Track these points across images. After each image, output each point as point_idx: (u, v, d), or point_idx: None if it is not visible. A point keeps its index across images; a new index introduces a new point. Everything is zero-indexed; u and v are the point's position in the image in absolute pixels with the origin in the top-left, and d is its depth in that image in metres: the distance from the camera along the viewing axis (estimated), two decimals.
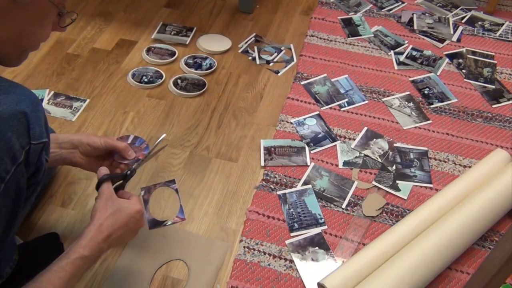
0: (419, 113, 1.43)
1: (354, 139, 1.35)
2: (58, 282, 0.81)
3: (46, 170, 0.88)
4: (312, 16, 1.79)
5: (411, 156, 1.32)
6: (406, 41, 1.68)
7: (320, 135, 1.36)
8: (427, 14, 1.79)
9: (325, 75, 1.55)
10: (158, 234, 1.13)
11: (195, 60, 1.59)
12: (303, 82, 1.52)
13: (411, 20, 1.76)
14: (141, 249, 1.10)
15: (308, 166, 1.28)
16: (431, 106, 1.46)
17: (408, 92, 1.50)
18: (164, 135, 1.13)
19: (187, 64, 1.57)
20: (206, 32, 1.71)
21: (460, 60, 1.62)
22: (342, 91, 1.49)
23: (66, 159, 1.03)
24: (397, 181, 1.25)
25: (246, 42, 1.68)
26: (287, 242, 1.12)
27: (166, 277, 1.06)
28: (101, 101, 1.45)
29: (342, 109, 1.44)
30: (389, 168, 1.29)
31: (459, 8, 1.83)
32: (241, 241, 1.12)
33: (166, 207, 1.19)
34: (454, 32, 1.72)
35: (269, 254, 1.10)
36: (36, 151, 0.82)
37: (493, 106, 1.47)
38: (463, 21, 1.78)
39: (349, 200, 1.21)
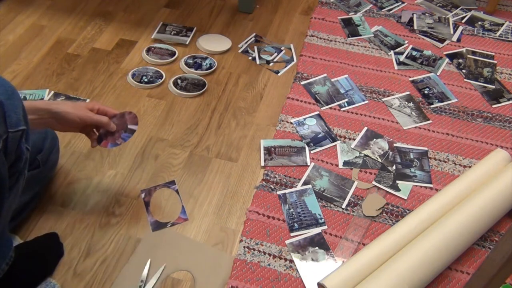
0: (419, 113, 1.43)
1: (354, 139, 1.35)
2: None
3: (27, 159, 0.87)
4: (312, 16, 1.79)
5: (411, 156, 1.32)
6: (406, 41, 1.68)
7: (320, 135, 1.36)
8: (427, 14, 1.79)
9: (325, 75, 1.55)
10: (164, 243, 1.12)
11: (195, 60, 1.59)
12: (303, 82, 1.52)
13: (411, 20, 1.77)
14: (147, 258, 1.09)
15: (308, 166, 1.28)
16: (431, 106, 1.46)
17: (408, 92, 1.50)
18: (164, 265, 1.08)
19: (187, 64, 1.57)
20: (206, 32, 1.71)
21: (460, 60, 1.62)
22: (342, 91, 1.49)
23: (45, 125, 1.03)
24: (397, 181, 1.25)
25: (246, 42, 1.68)
26: (287, 242, 1.12)
27: (166, 277, 1.06)
28: (101, 101, 1.45)
29: (342, 109, 1.44)
30: (389, 168, 1.29)
31: (459, 8, 1.83)
32: (241, 241, 1.12)
33: (168, 209, 1.19)
34: (454, 32, 1.72)
35: (269, 254, 1.10)
36: (14, 139, 0.81)
37: (493, 106, 1.47)
38: (463, 21, 1.78)
39: (349, 200, 1.21)
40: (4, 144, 0.79)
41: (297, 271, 1.07)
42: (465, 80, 1.55)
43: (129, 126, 1.12)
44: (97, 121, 1.06)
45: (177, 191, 1.23)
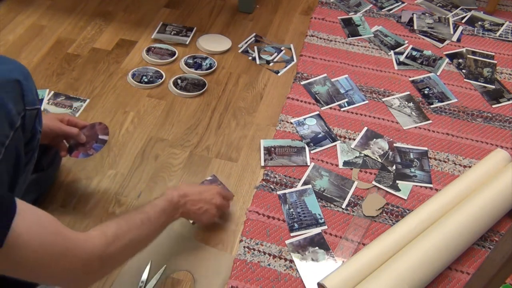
0: (419, 113, 1.43)
1: (354, 139, 1.35)
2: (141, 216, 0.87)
3: (39, 140, 0.93)
4: (312, 16, 1.79)
5: (411, 156, 1.32)
6: (406, 41, 1.68)
7: (320, 135, 1.36)
8: (427, 14, 1.79)
9: (325, 75, 1.55)
10: (165, 243, 1.12)
11: (195, 60, 1.59)
12: (303, 82, 1.52)
13: (411, 20, 1.76)
14: (148, 258, 1.09)
15: (308, 166, 1.28)
16: (431, 106, 1.46)
17: (408, 92, 1.50)
18: (165, 266, 1.07)
19: (187, 64, 1.57)
20: (206, 32, 1.71)
21: (460, 60, 1.62)
22: (342, 91, 1.49)
23: None
24: (397, 181, 1.25)
25: (246, 42, 1.68)
26: (287, 242, 1.12)
27: (166, 276, 1.06)
28: (101, 101, 1.45)
29: (342, 109, 1.44)
30: (389, 168, 1.29)
31: (459, 8, 1.83)
32: (241, 241, 1.12)
33: None
34: (454, 32, 1.72)
35: (269, 254, 1.10)
36: (31, 117, 0.87)
37: (493, 106, 1.47)
38: (463, 21, 1.78)
39: (349, 200, 1.21)
40: (22, 121, 0.84)
41: (297, 271, 1.07)
42: (465, 80, 1.55)
43: (100, 137, 1.14)
44: (67, 132, 1.08)
45: None
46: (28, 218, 0.63)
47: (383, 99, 1.47)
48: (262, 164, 1.29)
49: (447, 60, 1.61)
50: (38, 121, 0.91)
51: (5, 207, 0.60)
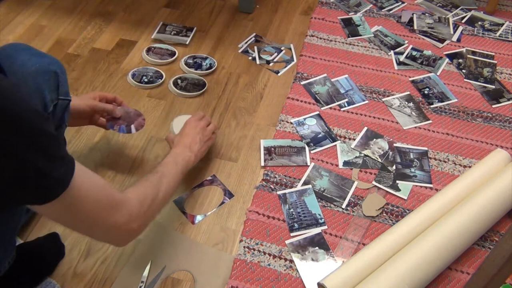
0: (419, 113, 1.43)
1: (354, 139, 1.35)
2: (170, 168, 1.02)
3: (64, 131, 1.02)
4: (312, 16, 1.79)
5: (411, 156, 1.32)
6: (406, 41, 1.68)
7: (320, 135, 1.36)
8: (427, 14, 1.79)
9: (325, 75, 1.55)
10: (165, 243, 1.12)
11: (195, 60, 1.59)
12: (303, 82, 1.52)
13: (411, 20, 1.77)
14: (148, 258, 1.09)
15: (308, 166, 1.28)
16: (431, 106, 1.46)
17: (408, 92, 1.50)
18: (165, 266, 1.09)
19: (187, 64, 1.57)
20: (206, 31, 1.71)
21: (460, 60, 1.62)
22: (342, 91, 1.49)
23: None
24: (397, 181, 1.25)
25: (246, 42, 1.68)
26: (287, 242, 1.12)
27: (166, 276, 1.06)
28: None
29: (342, 109, 1.44)
30: (389, 168, 1.29)
31: (459, 8, 1.83)
32: (241, 241, 1.13)
33: (168, 209, 1.19)
34: (454, 32, 1.72)
35: (269, 254, 1.10)
36: (62, 106, 0.96)
37: (493, 106, 1.47)
38: (463, 21, 1.78)
39: (349, 200, 1.21)
40: (53, 109, 0.93)
41: (297, 271, 1.07)
42: (465, 80, 1.55)
43: (133, 126, 1.22)
44: (105, 109, 1.19)
45: None
46: (86, 176, 0.73)
47: (383, 99, 1.47)
48: (262, 164, 1.29)
49: (447, 60, 1.61)
50: (66, 113, 0.98)
51: (69, 162, 0.69)
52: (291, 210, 1.18)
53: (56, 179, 0.66)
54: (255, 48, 1.65)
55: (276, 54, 1.63)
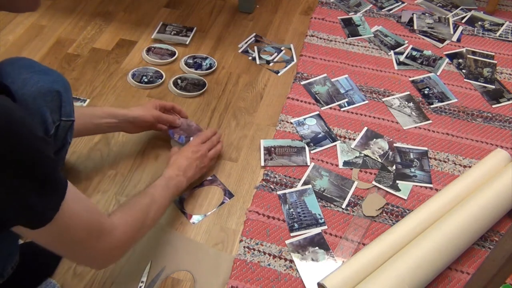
0: (419, 113, 1.43)
1: (354, 139, 1.35)
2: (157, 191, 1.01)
3: (67, 151, 1.00)
4: (312, 16, 1.79)
5: (411, 156, 1.32)
6: (406, 41, 1.68)
7: (320, 135, 1.36)
8: (427, 14, 1.79)
9: (325, 75, 1.55)
10: (165, 243, 1.12)
11: (195, 60, 1.59)
12: (303, 82, 1.52)
13: (411, 20, 1.77)
14: (148, 258, 1.09)
15: (308, 166, 1.28)
16: (431, 106, 1.46)
17: (408, 92, 1.50)
18: (164, 266, 1.09)
19: (187, 64, 1.57)
20: (206, 31, 1.71)
21: (460, 60, 1.62)
22: (342, 91, 1.49)
23: (120, 129, 1.24)
24: (397, 181, 1.25)
25: (246, 42, 1.68)
26: (287, 242, 1.12)
27: (166, 276, 1.06)
28: (101, 101, 1.45)
29: (342, 109, 1.44)
30: (389, 168, 1.29)
31: (459, 8, 1.83)
32: (241, 241, 1.13)
33: (168, 209, 1.19)
34: (454, 32, 1.72)
35: (269, 254, 1.10)
36: (65, 127, 0.94)
37: (493, 106, 1.47)
38: (463, 21, 1.78)
39: (349, 200, 1.21)
40: (55, 131, 0.90)
41: (297, 271, 1.07)
42: (465, 80, 1.55)
43: (192, 138, 1.27)
44: (167, 119, 1.26)
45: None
46: (77, 201, 0.72)
47: (383, 99, 1.47)
48: (262, 164, 1.29)
49: (447, 60, 1.61)
50: (70, 133, 0.96)
51: (61, 187, 0.69)
52: (291, 210, 1.18)
53: (43, 211, 0.66)
54: (255, 48, 1.65)
55: (276, 54, 1.63)
